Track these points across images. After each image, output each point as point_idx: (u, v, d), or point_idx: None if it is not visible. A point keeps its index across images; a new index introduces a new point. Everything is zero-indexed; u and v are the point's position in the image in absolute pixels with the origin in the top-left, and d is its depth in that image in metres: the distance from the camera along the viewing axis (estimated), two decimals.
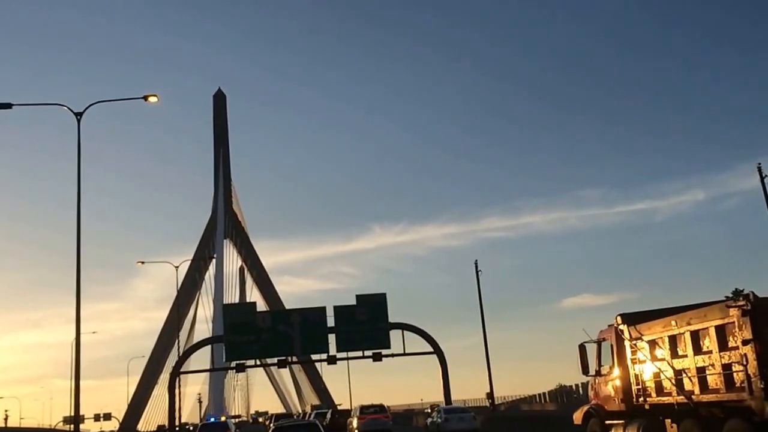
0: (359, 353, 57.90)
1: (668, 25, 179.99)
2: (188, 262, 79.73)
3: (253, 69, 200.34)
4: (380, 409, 41.57)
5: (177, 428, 55.31)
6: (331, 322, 57.02)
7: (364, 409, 41.35)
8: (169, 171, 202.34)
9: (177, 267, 59.78)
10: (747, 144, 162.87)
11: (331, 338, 56.62)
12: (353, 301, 58.22)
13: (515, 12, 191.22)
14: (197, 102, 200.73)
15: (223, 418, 38.95)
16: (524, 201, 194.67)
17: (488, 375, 54.06)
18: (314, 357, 61.35)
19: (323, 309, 58.02)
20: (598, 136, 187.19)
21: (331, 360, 57.33)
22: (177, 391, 55.80)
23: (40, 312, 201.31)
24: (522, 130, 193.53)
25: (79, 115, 28.22)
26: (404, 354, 58.46)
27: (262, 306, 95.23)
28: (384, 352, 57.53)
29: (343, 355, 57.94)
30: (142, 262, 59.58)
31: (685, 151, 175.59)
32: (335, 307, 58.12)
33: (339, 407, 76.50)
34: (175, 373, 55.56)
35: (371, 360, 57.65)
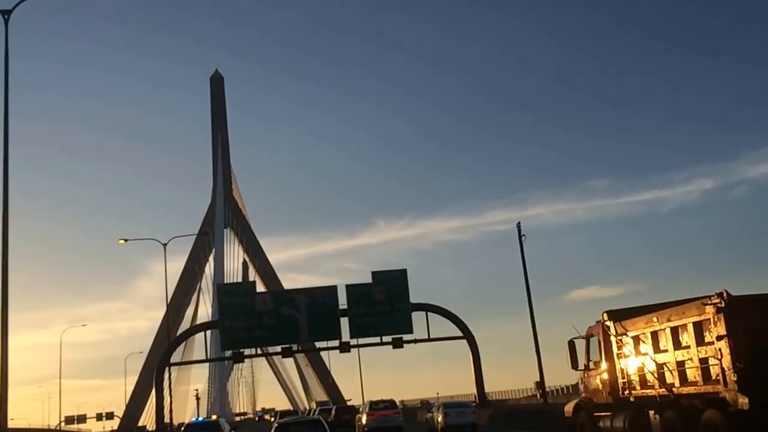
0: (376, 339, 59.30)
1: (674, 11, 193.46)
2: (177, 240, 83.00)
3: (252, 63, 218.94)
4: (391, 404, 44.03)
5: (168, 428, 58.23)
6: (343, 303, 58.36)
7: (373, 405, 43.83)
8: (166, 161, 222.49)
9: (165, 245, 62.40)
10: (755, 131, 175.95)
11: (344, 322, 58.02)
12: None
13: None
14: (193, 86, 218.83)
15: (214, 417, 41.49)
16: (529, 193, 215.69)
17: (538, 362, 53.50)
18: (324, 344, 62.78)
19: (334, 288, 59.21)
20: (603, 126, 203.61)
21: (344, 347, 58.85)
22: (167, 385, 58.25)
23: (44, 312, 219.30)
24: (526, 122, 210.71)
25: (6, 15, 27.99)
26: (428, 339, 60.06)
27: None
28: (405, 337, 58.92)
29: (360, 341, 59.37)
30: (125, 240, 62.24)
31: (691, 140, 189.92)
32: (347, 287, 59.35)
33: (349, 402, 79.62)
34: (163, 365, 57.68)
35: (390, 347, 59.09)
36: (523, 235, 54.52)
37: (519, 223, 54.70)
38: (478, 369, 60.82)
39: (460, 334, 61.22)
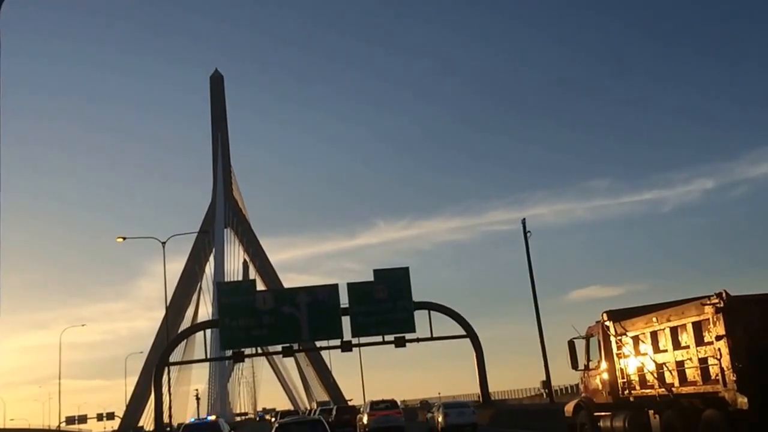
0: (378, 338, 59.65)
1: (674, 11, 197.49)
2: (178, 240, 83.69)
3: (252, 62, 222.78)
4: (392, 404, 44.46)
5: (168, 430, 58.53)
6: (344, 302, 58.76)
7: (374, 405, 44.29)
8: (167, 161, 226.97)
9: (164, 243, 62.58)
10: (755, 130, 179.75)
11: (345, 321, 58.42)
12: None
13: None
14: (193, 85, 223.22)
15: (212, 417, 41.95)
16: (530, 193, 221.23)
17: (544, 362, 53.44)
18: (325, 343, 63.11)
19: (335, 287, 59.60)
20: (603, 126, 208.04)
21: (346, 346, 59.13)
22: (166, 385, 58.58)
23: (45, 313, 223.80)
24: (526, 122, 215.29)
25: None
26: (431, 338, 60.30)
27: None
28: (408, 336, 59.25)
29: (362, 340, 59.75)
30: (124, 238, 62.46)
31: (692, 140, 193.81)
32: (349, 285, 59.75)
33: (350, 402, 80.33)
34: (162, 364, 58.01)
35: (392, 346, 59.48)
36: (529, 231, 54.31)
37: (524, 219, 54.32)
38: (482, 368, 61.06)
39: (463, 333, 61.50)
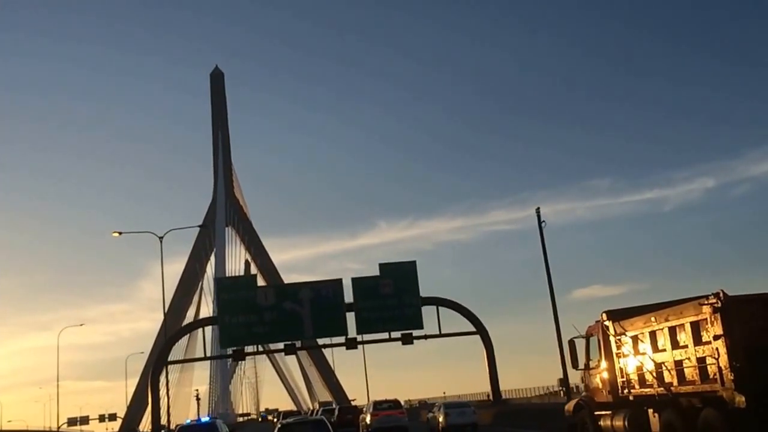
0: (384, 335, 59.82)
1: (676, 9, 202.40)
2: (179, 241, 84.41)
3: (253, 63, 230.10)
4: (395, 404, 44.83)
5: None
6: (349, 297, 59.11)
7: (377, 405, 44.70)
8: (169, 161, 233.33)
9: (161, 238, 62.77)
10: (757, 129, 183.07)
11: (350, 317, 58.71)
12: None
13: None
14: (193, 84, 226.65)
15: (205, 418, 42.32)
16: (531, 193, 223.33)
17: (561, 359, 53.10)
18: (329, 341, 63.39)
19: (339, 282, 59.78)
20: (604, 125, 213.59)
21: (350, 343, 59.40)
22: (164, 385, 58.92)
23: (47, 315, 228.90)
24: (527, 121, 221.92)
25: None
26: (439, 335, 60.65)
27: None
28: (415, 333, 59.45)
29: (367, 337, 60.02)
30: (120, 233, 62.76)
31: (693, 138, 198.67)
32: (354, 280, 60.06)
33: (353, 403, 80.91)
34: (160, 364, 58.41)
35: (398, 343, 59.73)
36: (543, 221, 53.74)
37: (538, 208, 53.85)
38: (492, 365, 61.35)
39: (473, 330, 61.65)
